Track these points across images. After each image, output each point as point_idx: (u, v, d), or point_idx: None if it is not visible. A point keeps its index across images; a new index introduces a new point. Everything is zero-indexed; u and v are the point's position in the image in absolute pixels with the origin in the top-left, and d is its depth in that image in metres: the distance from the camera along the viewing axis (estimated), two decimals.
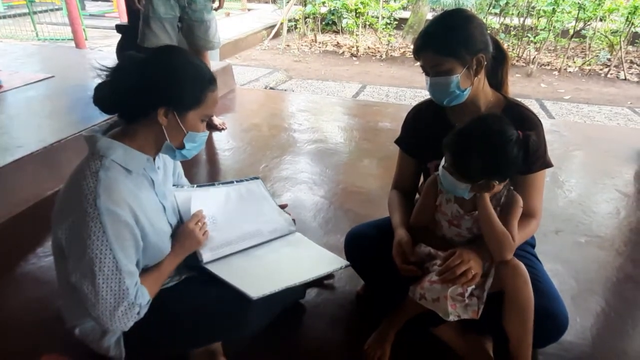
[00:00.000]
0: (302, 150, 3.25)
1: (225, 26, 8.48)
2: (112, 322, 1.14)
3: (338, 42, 8.36)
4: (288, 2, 8.45)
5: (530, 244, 1.64)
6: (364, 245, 1.63)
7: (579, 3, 6.33)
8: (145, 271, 1.25)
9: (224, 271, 1.37)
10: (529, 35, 7.01)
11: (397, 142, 1.69)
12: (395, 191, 1.68)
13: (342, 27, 8.58)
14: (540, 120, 1.46)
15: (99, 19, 9.71)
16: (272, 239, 1.59)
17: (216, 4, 3.25)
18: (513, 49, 7.26)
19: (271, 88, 5.59)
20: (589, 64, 6.94)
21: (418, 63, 1.43)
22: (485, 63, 1.39)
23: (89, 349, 1.31)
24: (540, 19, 6.90)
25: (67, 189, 1.16)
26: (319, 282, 1.86)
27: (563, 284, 1.90)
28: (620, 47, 6.61)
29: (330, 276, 1.91)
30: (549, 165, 1.47)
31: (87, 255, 1.08)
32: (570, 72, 6.76)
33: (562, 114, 5.08)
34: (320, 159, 3.11)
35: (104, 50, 6.57)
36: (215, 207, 1.51)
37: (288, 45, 8.09)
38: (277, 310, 1.47)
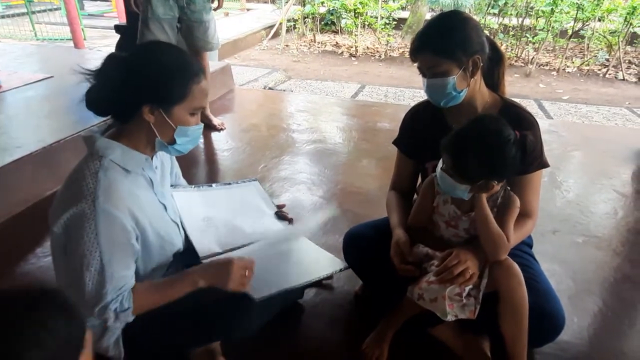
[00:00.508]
0: (300, 150, 3.25)
1: (224, 26, 8.48)
2: (93, 317, 1.15)
3: (337, 42, 8.36)
4: (287, 2, 8.45)
5: (528, 244, 1.65)
6: (362, 245, 1.64)
7: (577, 3, 6.34)
8: (149, 283, 1.24)
9: None
10: (528, 35, 7.02)
11: (395, 143, 1.70)
12: (393, 192, 1.69)
13: (341, 27, 8.58)
14: (536, 121, 1.47)
15: (98, 18, 9.70)
16: (269, 238, 1.59)
17: (215, 5, 3.25)
18: (512, 49, 7.28)
19: (270, 88, 5.59)
20: (588, 64, 6.96)
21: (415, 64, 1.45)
22: (482, 64, 1.40)
23: None
24: (538, 19, 6.91)
25: (65, 188, 1.17)
26: (317, 282, 1.87)
27: (560, 284, 1.90)
28: (619, 48, 6.62)
29: (328, 276, 1.92)
30: (545, 165, 1.48)
31: (78, 253, 1.10)
32: (568, 72, 6.77)
33: (561, 114, 5.09)
34: (319, 159, 3.12)
35: (102, 51, 6.57)
36: (212, 208, 1.51)
37: (287, 45, 8.09)
38: (276, 310, 1.47)
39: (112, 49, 4.63)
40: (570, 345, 1.61)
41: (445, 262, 1.31)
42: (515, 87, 6.06)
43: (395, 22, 8.06)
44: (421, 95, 1.50)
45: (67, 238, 1.13)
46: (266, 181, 2.76)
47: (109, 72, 1.14)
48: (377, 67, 7.04)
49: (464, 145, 1.24)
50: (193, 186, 1.54)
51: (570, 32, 6.80)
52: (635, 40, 7.26)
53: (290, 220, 1.68)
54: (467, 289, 1.30)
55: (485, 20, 7.24)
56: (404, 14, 8.69)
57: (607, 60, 6.91)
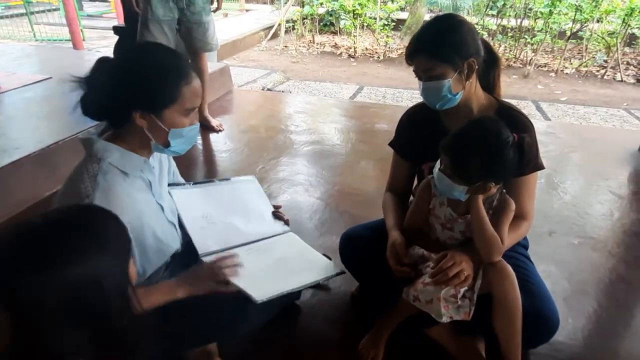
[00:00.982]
0: (298, 151, 3.26)
1: (223, 27, 8.49)
2: None
3: (336, 43, 8.37)
4: (286, 3, 8.46)
5: (523, 245, 1.66)
6: (359, 246, 1.65)
7: (575, 5, 6.36)
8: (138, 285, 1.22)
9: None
10: (526, 36, 7.04)
11: (391, 144, 1.71)
12: (389, 193, 1.70)
13: (339, 28, 8.59)
14: (532, 123, 1.48)
15: (97, 19, 9.70)
16: (267, 237, 1.58)
17: (214, 6, 3.26)
18: (510, 50, 7.29)
19: (268, 89, 5.60)
20: (586, 66, 6.97)
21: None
22: (477, 67, 1.41)
23: None
24: (537, 20, 6.92)
25: (64, 191, 1.17)
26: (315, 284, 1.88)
27: (556, 285, 1.92)
28: (617, 49, 6.64)
29: (326, 280, 1.93)
30: (540, 167, 1.49)
31: None
32: (567, 73, 6.79)
33: (558, 115, 5.11)
34: (316, 160, 3.13)
35: (101, 51, 6.58)
36: (210, 206, 1.50)
37: (286, 46, 8.10)
38: (273, 312, 1.48)
39: (111, 50, 4.64)
40: (565, 346, 1.62)
41: (440, 263, 1.32)
42: (513, 88, 6.08)
43: (394, 23, 8.08)
44: (420, 97, 1.51)
45: None
46: (264, 182, 2.77)
47: (99, 79, 1.13)
48: (375, 68, 7.06)
49: (463, 146, 1.25)
50: (192, 183, 1.54)
51: (568, 33, 6.81)
52: (633, 42, 7.28)
53: (286, 222, 1.68)
54: (462, 290, 1.31)
55: (483, 21, 7.26)
56: (403, 15, 8.70)
57: (606, 61, 6.92)
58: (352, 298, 1.82)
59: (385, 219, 1.60)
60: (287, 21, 8.55)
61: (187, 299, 1.29)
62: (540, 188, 2.79)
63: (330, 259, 1.93)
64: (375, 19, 7.86)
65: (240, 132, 3.61)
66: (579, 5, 6.35)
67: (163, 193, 1.34)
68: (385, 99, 5.55)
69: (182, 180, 1.58)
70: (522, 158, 1.26)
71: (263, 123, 3.81)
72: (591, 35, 7.12)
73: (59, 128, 2.80)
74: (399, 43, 8.26)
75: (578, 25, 6.77)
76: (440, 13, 8.03)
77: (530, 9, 6.96)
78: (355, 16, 7.64)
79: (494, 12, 7.34)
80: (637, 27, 6.73)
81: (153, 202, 1.28)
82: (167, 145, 1.21)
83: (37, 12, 8.55)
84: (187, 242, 1.43)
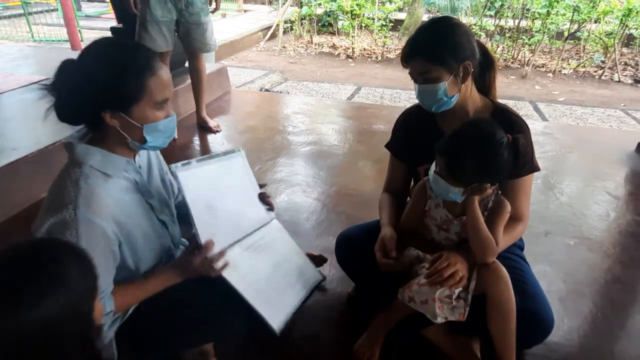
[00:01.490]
0: (296, 152, 3.27)
1: (221, 27, 8.49)
2: None
3: (334, 44, 8.38)
4: (284, 3, 8.47)
5: (519, 246, 1.67)
6: (355, 247, 1.66)
7: (573, 5, 6.38)
8: (127, 282, 1.23)
9: (245, 289, 1.33)
10: (524, 37, 7.05)
11: (388, 146, 1.72)
12: (386, 194, 1.71)
13: (338, 28, 8.60)
14: (527, 125, 1.48)
15: (95, 20, 9.70)
16: (257, 228, 1.53)
17: (213, 6, 3.26)
18: (508, 51, 7.30)
19: (266, 90, 5.60)
20: (584, 66, 6.99)
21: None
22: (472, 70, 1.42)
23: None
24: (535, 21, 6.93)
25: (48, 197, 1.16)
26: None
27: (551, 286, 1.93)
28: (615, 49, 6.65)
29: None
30: (536, 169, 1.50)
31: None
32: (564, 74, 6.80)
33: (556, 116, 5.12)
34: (314, 161, 3.13)
35: None
36: (212, 191, 1.42)
37: (284, 47, 8.11)
38: None
39: None
40: (560, 346, 1.63)
41: (435, 264, 1.33)
42: (511, 89, 6.09)
43: (392, 24, 8.10)
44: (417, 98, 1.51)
45: None
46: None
47: (63, 83, 1.12)
48: (373, 69, 7.06)
49: (458, 148, 1.25)
50: (195, 160, 1.42)
51: (566, 34, 6.83)
52: (631, 42, 7.30)
53: (270, 205, 1.59)
54: (456, 291, 1.31)
55: (481, 22, 7.27)
56: (401, 16, 8.72)
57: (603, 62, 6.94)
58: (348, 299, 1.83)
59: (380, 216, 1.60)
60: (285, 22, 8.55)
61: (183, 299, 1.30)
62: (536, 188, 2.80)
63: (326, 259, 1.95)
64: (373, 19, 7.87)
65: (238, 132, 3.61)
66: (577, 6, 6.37)
67: (153, 191, 1.33)
68: (383, 99, 5.56)
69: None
70: (517, 158, 1.27)
71: (261, 124, 3.82)
72: (589, 35, 7.14)
73: (57, 129, 2.78)
74: (397, 44, 8.28)
75: (576, 26, 6.79)
76: (438, 14, 8.07)
77: (528, 10, 6.97)
78: (353, 17, 7.65)
79: (492, 13, 7.35)
80: (634, 28, 6.75)
81: (142, 202, 1.27)
82: (143, 141, 1.18)
83: (35, 12, 8.55)
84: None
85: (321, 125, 3.86)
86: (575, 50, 7.72)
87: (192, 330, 1.31)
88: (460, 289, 1.32)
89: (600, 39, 7.05)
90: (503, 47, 7.28)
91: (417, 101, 1.55)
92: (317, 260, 1.96)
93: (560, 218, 2.51)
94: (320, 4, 8.18)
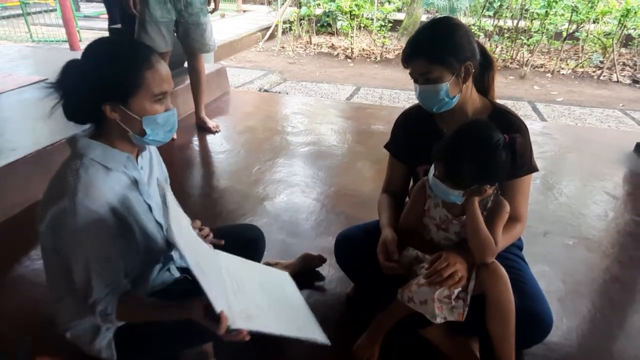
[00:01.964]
0: (295, 153, 3.27)
1: (220, 28, 8.49)
2: (88, 309, 1.17)
3: (333, 44, 8.38)
4: (283, 3, 8.47)
5: (518, 246, 1.67)
6: (354, 247, 1.66)
7: (572, 6, 6.39)
8: (143, 299, 1.26)
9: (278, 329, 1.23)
10: (523, 37, 7.06)
11: (387, 146, 1.72)
12: (385, 194, 1.71)
13: (336, 29, 8.61)
14: (526, 126, 1.48)
15: (94, 20, 9.68)
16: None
17: (212, 7, 3.26)
18: (506, 51, 7.31)
19: (265, 90, 5.60)
20: (582, 66, 7.00)
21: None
22: (473, 70, 1.42)
23: (82, 351, 1.33)
24: (533, 21, 6.94)
25: (49, 188, 1.18)
26: (309, 284, 1.89)
27: (550, 286, 1.93)
28: (613, 50, 6.66)
29: (320, 278, 1.94)
30: (534, 169, 1.50)
31: (63, 250, 1.13)
32: (563, 74, 6.81)
33: (554, 116, 5.12)
34: (313, 161, 3.13)
35: None
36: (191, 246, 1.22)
37: (283, 47, 8.11)
38: None
39: None
40: (559, 346, 1.63)
41: (434, 265, 1.33)
42: (509, 89, 6.09)
43: (391, 24, 8.09)
44: (416, 98, 1.51)
45: (53, 236, 1.15)
46: (260, 184, 2.78)
47: (67, 81, 1.15)
48: (372, 69, 7.07)
49: (455, 153, 1.25)
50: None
51: (564, 34, 6.84)
52: (629, 42, 7.31)
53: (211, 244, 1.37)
54: (456, 291, 1.32)
55: (480, 22, 7.28)
56: (400, 16, 8.73)
57: (602, 62, 6.95)
58: (347, 299, 1.83)
59: (380, 217, 1.61)
60: (284, 22, 8.55)
61: (179, 300, 1.29)
62: (535, 188, 2.80)
63: (325, 260, 1.95)
64: (372, 19, 7.88)
65: (237, 133, 3.61)
66: (575, 6, 6.38)
67: (152, 193, 1.34)
68: (382, 100, 5.56)
69: (170, 193, 1.50)
70: (515, 158, 1.27)
71: (260, 124, 3.82)
72: (587, 36, 7.15)
73: (55, 129, 2.80)
74: (396, 44, 8.28)
75: (574, 26, 6.80)
76: (437, 14, 8.07)
77: (527, 10, 6.98)
78: (352, 17, 7.65)
79: (491, 13, 7.36)
80: (633, 28, 6.76)
81: (140, 200, 1.28)
82: (143, 133, 1.19)
83: (34, 13, 8.54)
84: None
85: (320, 125, 3.86)
86: (573, 51, 7.73)
87: (191, 329, 1.31)
88: (460, 289, 1.32)
89: (599, 39, 7.06)
90: (502, 48, 7.29)
91: (416, 101, 1.55)
92: (316, 261, 1.97)
93: (559, 218, 2.52)
94: (319, 4, 8.18)
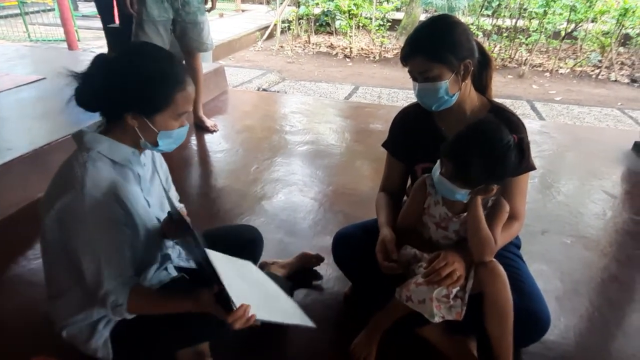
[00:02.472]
0: (293, 152, 3.26)
1: (219, 27, 8.48)
2: (99, 301, 1.17)
3: (331, 44, 8.38)
4: (282, 3, 8.46)
5: (516, 244, 1.67)
6: (351, 246, 1.66)
7: (570, 5, 6.39)
8: (153, 290, 1.28)
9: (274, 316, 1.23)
10: (521, 36, 7.06)
11: (385, 145, 1.71)
12: (382, 193, 1.70)
13: (335, 28, 8.60)
14: (523, 124, 1.48)
15: (92, 19, 9.65)
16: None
17: (209, 5, 3.25)
18: (505, 51, 7.31)
19: (264, 89, 5.60)
20: (580, 66, 7.00)
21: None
22: (472, 68, 1.41)
23: (78, 350, 1.32)
24: (532, 20, 6.94)
25: (55, 180, 1.20)
26: (307, 283, 1.89)
27: (548, 284, 1.92)
28: (611, 49, 6.67)
29: (318, 277, 1.94)
30: (532, 168, 1.50)
31: (72, 242, 1.14)
32: (561, 73, 6.82)
33: (553, 115, 5.13)
34: (311, 160, 3.13)
35: (96, 52, 6.54)
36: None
37: (281, 47, 8.10)
38: None
39: (105, 51, 4.62)
40: (557, 344, 1.63)
41: (433, 264, 1.32)
42: (508, 88, 6.10)
43: (389, 24, 8.09)
44: (415, 97, 1.51)
45: (60, 229, 1.15)
46: (258, 183, 2.78)
47: (96, 76, 1.16)
48: (371, 68, 7.06)
49: (466, 152, 1.24)
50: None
51: (563, 33, 6.84)
52: (627, 42, 7.31)
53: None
54: (454, 290, 1.31)
55: (478, 22, 7.27)
56: (399, 15, 8.72)
57: (600, 61, 6.96)
58: (345, 298, 1.82)
59: (378, 216, 1.60)
60: (283, 21, 8.55)
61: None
62: (533, 187, 2.80)
63: (323, 259, 1.94)
64: (370, 19, 7.87)
65: (235, 132, 3.61)
66: (574, 6, 6.38)
67: (152, 190, 1.35)
68: (380, 99, 5.56)
69: (174, 192, 1.54)
70: (523, 158, 1.27)
71: (258, 123, 3.81)
72: (586, 35, 7.15)
73: (52, 129, 2.79)
74: (394, 43, 8.27)
75: (572, 26, 6.81)
76: (436, 13, 8.07)
77: (525, 9, 6.98)
78: (350, 16, 7.64)
79: (489, 13, 7.36)
80: (631, 27, 6.77)
81: (141, 196, 1.29)
82: (156, 144, 1.24)
83: (32, 12, 8.52)
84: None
85: (318, 124, 3.85)
86: (572, 50, 7.74)
87: (187, 329, 1.31)
88: (458, 288, 1.32)
89: (597, 38, 7.06)
90: (500, 47, 7.29)
91: (415, 100, 1.54)
92: (314, 260, 1.96)
93: (557, 217, 2.51)
94: (317, 4, 8.17)
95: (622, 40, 7.19)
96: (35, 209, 1.24)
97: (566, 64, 7.10)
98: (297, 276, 1.88)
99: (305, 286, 1.88)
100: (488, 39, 7.23)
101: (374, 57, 7.57)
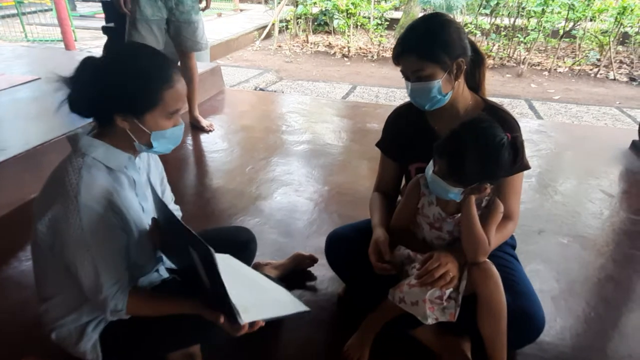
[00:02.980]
0: (290, 151, 3.25)
1: (216, 27, 8.48)
2: (98, 306, 1.18)
3: (330, 43, 8.36)
4: (280, 2, 8.44)
5: (511, 244, 1.65)
6: (345, 247, 1.64)
7: (568, 3, 6.38)
8: (151, 293, 1.29)
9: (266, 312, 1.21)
10: (519, 35, 7.05)
11: (378, 145, 1.70)
12: (376, 193, 1.69)
13: (333, 27, 8.59)
14: (518, 122, 1.47)
15: (90, 19, 9.66)
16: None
17: (203, 4, 3.24)
18: (503, 49, 7.30)
19: (261, 89, 5.58)
20: (579, 64, 6.99)
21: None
22: (465, 67, 1.40)
23: (68, 353, 1.31)
24: (530, 19, 6.93)
25: (49, 185, 1.17)
26: (301, 284, 1.87)
27: (544, 284, 1.91)
28: (610, 47, 6.66)
29: (312, 278, 1.92)
30: (526, 167, 1.48)
31: (67, 250, 1.12)
32: (560, 72, 6.80)
33: (551, 114, 5.11)
34: (307, 160, 3.11)
35: (93, 52, 6.54)
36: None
37: (279, 46, 8.09)
38: None
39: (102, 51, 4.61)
40: (552, 345, 1.61)
41: (426, 265, 1.31)
42: (506, 87, 6.08)
43: (387, 23, 8.09)
44: None
45: (53, 236, 1.13)
46: (254, 183, 2.76)
47: (83, 79, 1.14)
48: (369, 68, 7.05)
49: (460, 150, 1.22)
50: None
51: (561, 32, 6.83)
52: (626, 40, 7.31)
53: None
54: (447, 292, 1.30)
55: (477, 21, 7.26)
56: (397, 15, 8.72)
57: (599, 60, 6.95)
58: (338, 299, 1.80)
59: (371, 217, 1.59)
60: (281, 21, 8.53)
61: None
62: (530, 187, 2.79)
63: (317, 260, 1.93)
64: (369, 18, 7.86)
65: (231, 132, 3.59)
66: (572, 4, 6.37)
67: (147, 195, 1.33)
68: (378, 98, 5.55)
69: (169, 193, 1.53)
70: (517, 156, 1.26)
71: (255, 123, 3.80)
72: (584, 34, 7.14)
73: (46, 129, 2.78)
74: (392, 42, 8.26)
75: (571, 24, 6.79)
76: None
77: (524, 8, 6.97)
78: (348, 16, 7.63)
79: (488, 11, 7.35)
80: (629, 26, 6.76)
81: (136, 201, 1.28)
82: (150, 146, 1.21)
83: (29, 12, 8.50)
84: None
85: (315, 124, 3.84)
86: (570, 49, 7.73)
87: (178, 331, 1.29)
88: (451, 289, 1.31)
89: (596, 37, 7.05)
90: (499, 46, 7.28)
91: (408, 100, 1.53)
92: (308, 261, 1.95)
93: (554, 216, 2.50)
94: (315, 3, 8.16)
95: (621, 39, 7.18)
96: (29, 210, 1.22)
97: (565, 62, 7.09)
98: (291, 277, 1.87)
99: (299, 287, 1.86)
100: (486, 38, 7.22)
101: (372, 57, 7.56)
